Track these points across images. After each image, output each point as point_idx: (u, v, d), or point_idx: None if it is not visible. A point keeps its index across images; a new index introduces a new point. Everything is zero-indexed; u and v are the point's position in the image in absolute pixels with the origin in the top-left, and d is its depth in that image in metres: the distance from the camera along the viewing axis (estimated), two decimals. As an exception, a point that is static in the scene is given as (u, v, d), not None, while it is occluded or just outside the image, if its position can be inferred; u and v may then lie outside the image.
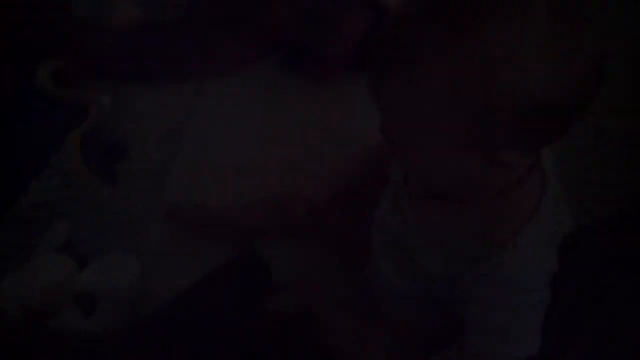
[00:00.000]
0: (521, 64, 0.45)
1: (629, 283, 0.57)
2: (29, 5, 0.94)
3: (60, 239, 0.78)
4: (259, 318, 0.61)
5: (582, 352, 0.57)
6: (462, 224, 0.56)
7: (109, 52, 0.97)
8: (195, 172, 0.90)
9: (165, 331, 0.56)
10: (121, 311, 0.75)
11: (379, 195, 0.67)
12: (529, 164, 0.54)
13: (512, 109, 0.46)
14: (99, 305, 0.75)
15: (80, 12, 0.99)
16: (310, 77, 1.01)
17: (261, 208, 0.82)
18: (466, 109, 0.46)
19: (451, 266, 0.57)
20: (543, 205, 0.55)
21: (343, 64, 1.00)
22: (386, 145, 0.55)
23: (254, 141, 0.94)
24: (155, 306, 0.60)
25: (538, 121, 0.47)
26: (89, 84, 0.93)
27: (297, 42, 1.01)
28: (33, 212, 0.79)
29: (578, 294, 0.58)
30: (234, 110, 0.99)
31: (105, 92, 0.92)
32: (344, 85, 1.00)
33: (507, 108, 0.46)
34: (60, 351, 0.63)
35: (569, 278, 0.57)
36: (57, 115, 0.85)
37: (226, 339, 0.59)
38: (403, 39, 0.47)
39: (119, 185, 0.88)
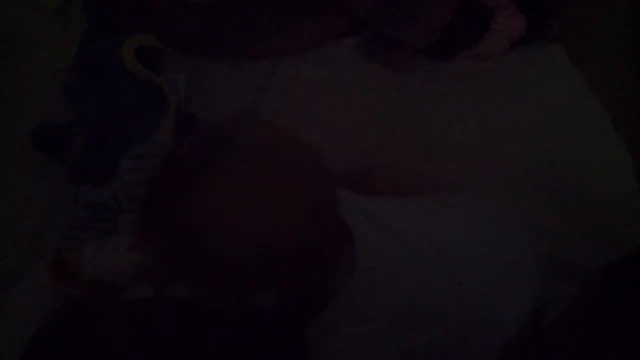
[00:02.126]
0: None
1: None
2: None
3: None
4: None
5: None
6: None
7: (187, 26, 0.97)
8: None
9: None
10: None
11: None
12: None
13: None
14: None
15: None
16: (386, 63, 0.99)
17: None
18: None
19: None
20: None
21: (420, 52, 0.98)
22: None
23: (323, 123, 0.92)
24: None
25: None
26: (167, 60, 0.93)
27: (375, 26, 0.99)
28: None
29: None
30: (305, 92, 0.98)
31: (181, 69, 0.92)
32: (418, 73, 0.98)
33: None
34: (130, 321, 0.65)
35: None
36: (140, 95, 0.85)
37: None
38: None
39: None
